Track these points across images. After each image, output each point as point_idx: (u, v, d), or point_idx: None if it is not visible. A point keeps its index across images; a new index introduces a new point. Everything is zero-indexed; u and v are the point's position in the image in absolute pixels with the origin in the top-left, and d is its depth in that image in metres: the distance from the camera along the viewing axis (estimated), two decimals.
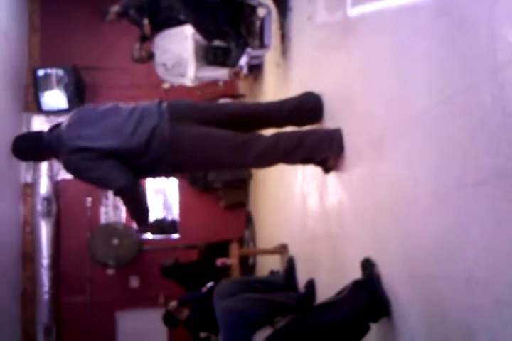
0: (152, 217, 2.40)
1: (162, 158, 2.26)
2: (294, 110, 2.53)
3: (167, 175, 2.46)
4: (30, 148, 2.39)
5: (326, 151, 2.34)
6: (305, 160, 2.49)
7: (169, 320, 3.67)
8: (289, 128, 2.60)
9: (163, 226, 7.10)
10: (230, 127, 2.38)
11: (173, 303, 3.62)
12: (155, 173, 2.43)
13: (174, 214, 7.16)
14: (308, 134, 2.39)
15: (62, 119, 2.42)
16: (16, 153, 2.40)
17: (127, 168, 2.27)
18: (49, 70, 6.20)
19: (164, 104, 2.37)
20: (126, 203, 2.41)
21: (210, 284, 4.29)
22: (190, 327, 3.59)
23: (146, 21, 4.72)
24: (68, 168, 2.33)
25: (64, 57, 6.38)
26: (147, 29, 4.79)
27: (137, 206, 2.42)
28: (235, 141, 2.33)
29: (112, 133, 2.27)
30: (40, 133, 2.41)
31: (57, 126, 2.39)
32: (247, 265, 5.52)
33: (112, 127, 2.28)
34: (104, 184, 2.42)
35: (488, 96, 1.18)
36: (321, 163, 2.44)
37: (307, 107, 2.55)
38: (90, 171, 2.27)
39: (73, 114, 2.41)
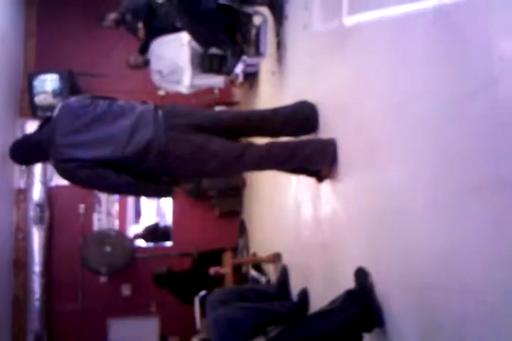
0: (172, 186, 2.43)
1: (157, 167, 2.24)
2: (288, 119, 2.51)
3: (165, 191, 2.43)
4: (23, 149, 2.35)
5: (318, 164, 2.33)
6: (297, 171, 2.48)
7: None
8: (283, 138, 2.60)
9: (156, 233, 7.07)
10: (224, 134, 2.37)
11: None
12: (152, 186, 2.35)
13: (167, 221, 7.13)
14: (301, 146, 2.37)
15: (51, 114, 2.33)
16: (12, 157, 2.38)
17: (123, 173, 2.23)
18: (44, 75, 6.19)
19: (160, 113, 2.31)
20: (137, 195, 2.48)
21: (202, 293, 4.27)
22: None
23: (140, 25, 4.74)
24: (63, 175, 2.29)
25: (59, 63, 6.36)
26: (141, 33, 4.80)
27: (148, 194, 2.58)
28: (228, 151, 2.31)
29: (106, 142, 2.22)
30: (30, 134, 2.38)
31: (47, 120, 2.32)
32: (240, 274, 5.49)
33: (106, 136, 2.23)
34: (103, 190, 2.53)
35: (483, 105, 1.18)
36: (314, 173, 2.43)
37: (301, 116, 2.54)
38: (87, 179, 2.24)
39: (63, 110, 2.31)
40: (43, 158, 2.37)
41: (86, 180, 2.25)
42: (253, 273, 4.39)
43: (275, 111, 2.58)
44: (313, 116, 2.53)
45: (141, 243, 6.87)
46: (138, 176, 2.26)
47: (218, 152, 2.29)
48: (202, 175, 2.45)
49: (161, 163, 2.22)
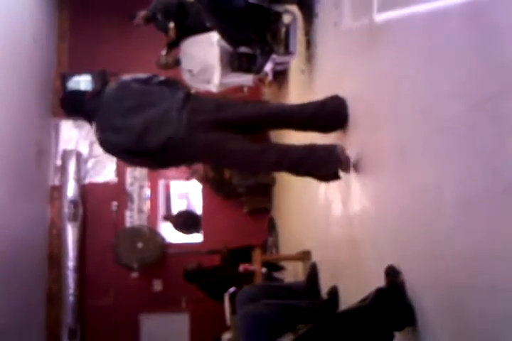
0: None
1: (175, 158, 2.46)
2: (316, 111, 2.52)
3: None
4: (73, 104, 2.66)
5: (323, 170, 2.39)
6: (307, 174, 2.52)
7: None
8: (311, 134, 2.61)
9: (186, 220, 7.02)
10: (249, 130, 2.46)
11: None
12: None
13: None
14: (309, 153, 2.41)
15: (106, 87, 2.66)
16: (62, 105, 2.71)
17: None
18: (77, 77, 6.31)
19: (185, 112, 2.40)
20: None
21: (232, 289, 4.30)
22: None
23: (171, 25, 4.80)
24: (103, 147, 2.56)
25: (92, 63, 6.49)
26: (172, 32, 4.86)
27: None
28: (244, 153, 2.41)
29: (131, 131, 2.40)
30: (83, 96, 2.67)
31: (99, 93, 2.62)
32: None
33: (133, 126, 2.40)
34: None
35: None
36: (323, 177, 2.47)
37: (330, 109, 2.54)
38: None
39: (118, 89, 2.62)
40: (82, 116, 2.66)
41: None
42: (264, 270, 4.41)
43: (304, 105, 2.62)
44: (343, 108, 2.53)
45: (168, 226, 6.87)
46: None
47: (234, 153, 2.41)
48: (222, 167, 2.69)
49: (180, 156, 2.44)
